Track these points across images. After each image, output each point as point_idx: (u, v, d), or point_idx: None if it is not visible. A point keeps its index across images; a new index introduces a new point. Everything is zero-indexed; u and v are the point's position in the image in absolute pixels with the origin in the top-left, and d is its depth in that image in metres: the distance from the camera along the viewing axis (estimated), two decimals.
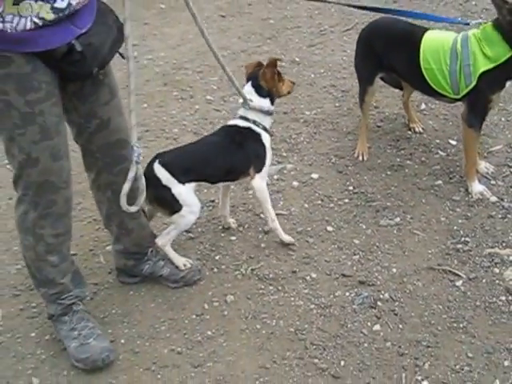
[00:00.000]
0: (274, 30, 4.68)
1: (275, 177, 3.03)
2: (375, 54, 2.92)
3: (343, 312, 2.28)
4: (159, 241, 2.43)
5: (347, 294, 2.36)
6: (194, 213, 2.41)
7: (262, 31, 4.71)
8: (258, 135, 2.50)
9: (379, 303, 2.29)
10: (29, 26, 1.73)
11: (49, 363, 2.20)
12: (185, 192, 2.36)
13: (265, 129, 2.53)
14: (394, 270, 2.44)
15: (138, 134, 3.38)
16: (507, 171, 2.91)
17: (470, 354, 2.07)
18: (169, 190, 2.34)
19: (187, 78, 4.20)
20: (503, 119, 3.31)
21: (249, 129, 2.50)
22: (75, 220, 2.82)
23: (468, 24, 2.81)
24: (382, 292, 2.34)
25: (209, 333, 2.25)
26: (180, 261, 2.44)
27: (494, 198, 2.73)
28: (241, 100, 2.56)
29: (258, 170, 2.48)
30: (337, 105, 3.58)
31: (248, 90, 2.52)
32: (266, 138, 2.52)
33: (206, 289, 2.43)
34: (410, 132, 3.28)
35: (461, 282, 2.35)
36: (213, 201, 2.89)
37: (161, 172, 2.34)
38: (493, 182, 2.85)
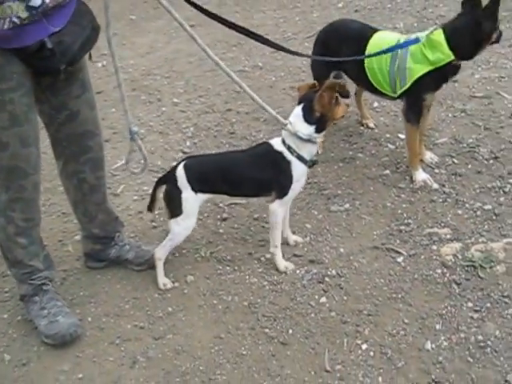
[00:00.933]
0: (240, 38, 4.86)
1: None
2: (329, 52, 3.09)
3: (293, 287, 2.47)
4: (157, 253, 2.49)
5: (298, 271, 2.55)
6: (187, 228, 2.45)
7: (228, 39, 4.94)
8: (288, 163, 2.37)
9: (326, 279, 2.49)
10: (7, 25, 1.90)
11: (20, 341, 2.37)
12: (191, 201, 2.39)
13: (299, 157, 2.37)
14: (342, 250, 2.64)
15: (106, 136, 3.60)
16: (450, 161, 3.13)
17: (406, 320, 2.27)
18: (180, 192, 2.39)
19: (155, 83, 4.40)
20: (450, 115, 3.55)
21: (281, 154, 2.39)
22: (45, 214, 3.01)
23: (419, 41, 2.79)
24: (330, 269, 2.54)
25: (169, 309, 2.43)
26: (161, 280, 2.51)
27: (435, 185, 2.95)
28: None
29: (279, 197, 2.43)
30: (294, 104, 3.77)
31: (296, 112, 2.37)
32: (296, 168, 2.38)
33: (168, 271, 2.60)
34: (362, 128, 3.50)
35: (401, 258, 2.56)
36: None
37: (180, 173, 2.39)
38: (436, 170, 3.07)
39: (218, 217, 2.90)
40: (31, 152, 2.15)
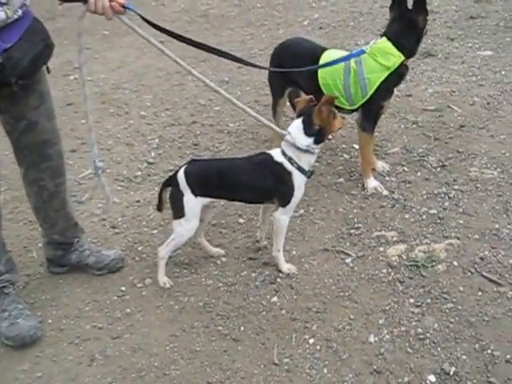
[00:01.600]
0: (208, 54, 5.05)
1: None
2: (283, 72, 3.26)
3: (247, 288, 2.59)
4: (160, 252, 2.59)
5: (252, 273, 2.68)
6: (189, 229, 2.52)
7: (196, 54, 5.06)
8: (289, 174, 2.47)
9: (278, 280, 2.62)
10: None
11: None
12: (192, 204, 2.48)
13: (299, 168, 2.48)
14: (294, 253, 2.77)
15: (74, 146, 3.71)
16: (400, 169, 3.30)
17: (351, 316, 2.41)
18: (181, 195, 2.49)
19: (124, 96, 4.53)
20: (402, 126, 3.74)
21: (281, 165, 2.48)
22: (12, 222, 3.10)
23: (364, 52, 3.01)
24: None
25: (128, 310, 2.53)
26: (161, 279, 2.61)
27: (385, 192, 3.11)
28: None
29: (283, 205, 2.53)
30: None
31: (296, 125, 2.47)
32: (297, 178, 2.48)
33: (127, 274, 2.71)
34: None
35: (350, 259, 2.70)
36: (138, 201, 3.20)
37: (181, 177, 2.49)
38: (387, 178, 3.24)
39: None
40: None
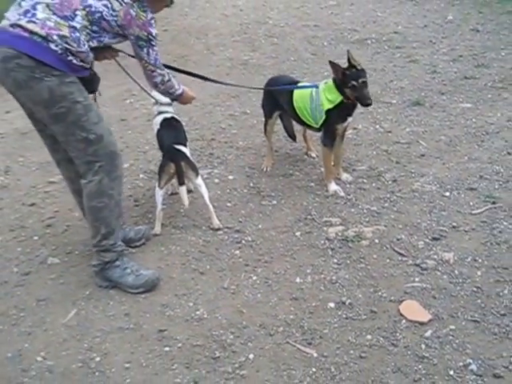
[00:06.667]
0: (239, 91, 6.19)
1: (205, 176, 4.36)
2: (273, 97, 4.32)
3: (219, 244, 3.53)
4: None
5: (226, 237, 3.62)
6: None
7: (229, 92, 6.21)
8: None
9: (243, 241, 3.55)
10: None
11: None
12: None
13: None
14: (260, 226, 3.70)
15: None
16: (360, 181, 4.19)
17: (288, 266, 3.28)
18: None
19: None
20: (374, 153, 4.60)
21: None
22: None
23: (317, 87, 3.98)
24: (247, 236, 3.60)
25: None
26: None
27: (342, 194, 4.00)
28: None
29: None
30: (263, 139, 4.93)
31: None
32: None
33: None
34: (306, 156, 4.62)
35: (299, 233, 3.59)
36: None
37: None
38: (348, 185, 4.13)
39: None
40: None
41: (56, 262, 3.49)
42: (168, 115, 3.91)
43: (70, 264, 3.46)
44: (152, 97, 3.89)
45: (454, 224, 3.58)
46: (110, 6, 2.82)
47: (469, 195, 3.90)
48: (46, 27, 2.67)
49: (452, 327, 2.79)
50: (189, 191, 3.86)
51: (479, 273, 3.15)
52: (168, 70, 3.20)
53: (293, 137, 4.60)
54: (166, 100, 3.79)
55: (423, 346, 2.69)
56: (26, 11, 2.70)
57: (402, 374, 2.56)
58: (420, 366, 2.59)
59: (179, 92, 3.33)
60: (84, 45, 2.78)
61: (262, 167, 4.44)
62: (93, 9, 2.78)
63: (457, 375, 2.54)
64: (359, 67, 3.78)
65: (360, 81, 3.74)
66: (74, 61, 2.77)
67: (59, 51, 2.70)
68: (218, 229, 3.68)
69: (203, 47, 7.87)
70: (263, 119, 4.51)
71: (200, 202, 3.95)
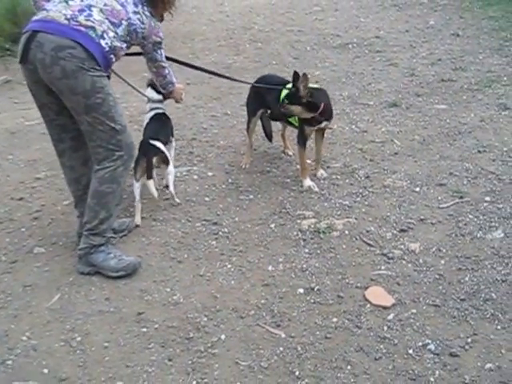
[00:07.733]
0: (220, 94, 6.36)
1: (184, 173, 4.53)
2: (259, 96, 4.47)
3: (197, 236, 3.69)
4: None
5: (203, 228, 3.78)
6: None
7: (212, 94, 6.38)
8: None
9: (220, 233, 3.71)
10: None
11: None
12: None
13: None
14: (237, 219, 3.86)
15: None
16: (334, 177, 4.37)
17: (261, 255, 3.45)
18: None
19: None
20: (349, 151, 4.79)
21: None
22: None
23: None
24: (224, 228, 3.76)
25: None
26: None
27: (317, 189, 4.18)
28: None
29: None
30: (243, 138, 5.10)
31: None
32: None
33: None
34: (283, 154, 4.80)
35: (273, 225, 3.76)
36: None
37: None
38: (322, 181, 4.31)
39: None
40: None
41: (42, 252, 3.63)
42: (160, 111, 4.14)
43: (55, 253, 3.60)
44: (144, 95, 4.13)
45: (422, 217, 3.76)
46: (141, 19, 3.21)
47: (438, 190, 4.09)
48: (102, 26, 3.01)
49: (413, 311, 2.97)
50: (165, 186, 4.05)
51: (443, 262, 3.32)
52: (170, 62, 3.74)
53: (269, 137, 4.76)
54: (158, 97, 4.09)
55: (385, 328, 2.86)
56: (81, 10, 3.00)
57: (363, 353, 2.72)
58: (381, 346, 2.76)
59: (175, 81, 3.83)
60: (122, 49, 3.19)
61: (241, 164, 4.61)
62: (131, 21, 3.16)
63: (415, 354, 2.71)
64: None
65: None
66: (113, 59, 3.15)
67: (107, 48, 3.03)
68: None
69: (188, 51, 8.03)
70: (244, 119, 4.68)
71: (180, 196, 4.11)
